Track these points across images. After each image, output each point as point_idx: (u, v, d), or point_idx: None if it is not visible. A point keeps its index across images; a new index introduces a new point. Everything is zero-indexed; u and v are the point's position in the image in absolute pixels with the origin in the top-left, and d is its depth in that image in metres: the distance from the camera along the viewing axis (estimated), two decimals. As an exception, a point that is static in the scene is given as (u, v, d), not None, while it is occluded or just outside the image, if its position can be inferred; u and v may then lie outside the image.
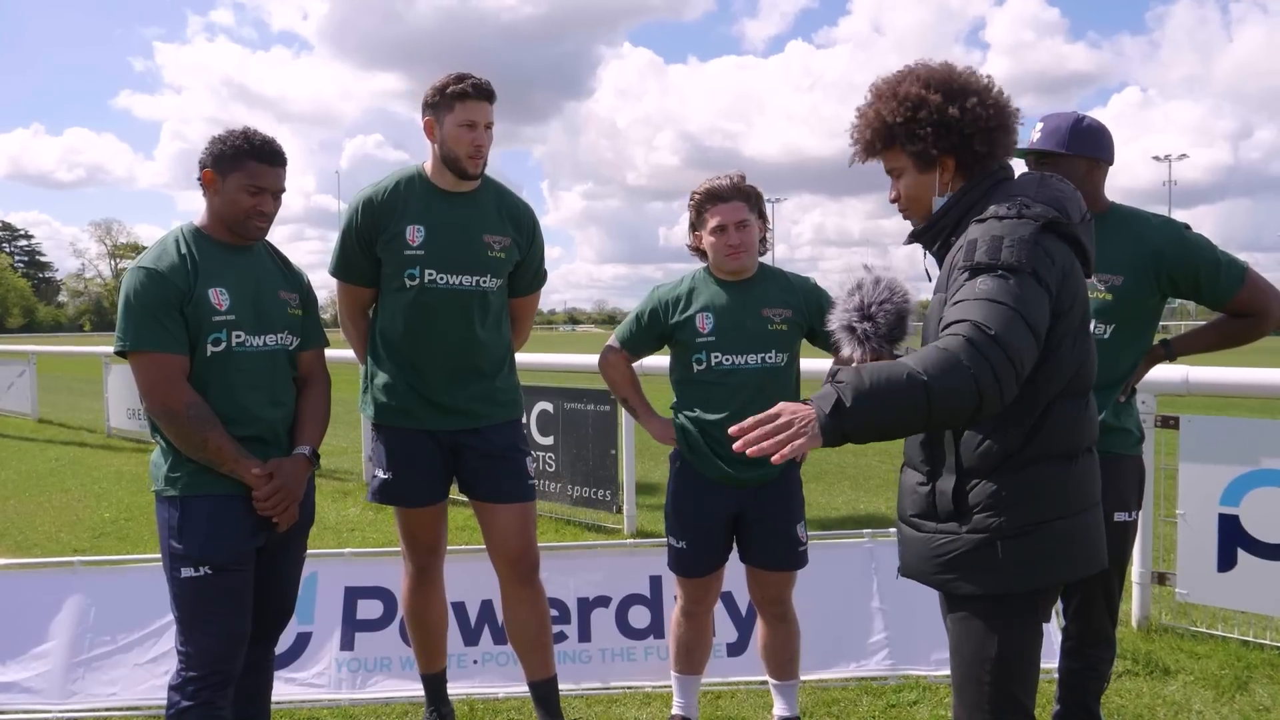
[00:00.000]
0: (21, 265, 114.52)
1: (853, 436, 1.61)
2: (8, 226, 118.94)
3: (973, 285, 1.73)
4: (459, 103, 2.86)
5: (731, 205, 2.92)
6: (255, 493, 2.54)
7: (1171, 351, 2.82)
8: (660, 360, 3.22)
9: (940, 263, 1.98)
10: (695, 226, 3.03)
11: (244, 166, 2.56)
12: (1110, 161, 2.73)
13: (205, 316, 2.50)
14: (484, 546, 3.16)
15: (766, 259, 3.10)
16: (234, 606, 2.54)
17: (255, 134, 2.60)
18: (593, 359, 6.99)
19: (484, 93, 2.89)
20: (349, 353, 3.30)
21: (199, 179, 2.61)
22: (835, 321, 2.13)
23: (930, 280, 2.04)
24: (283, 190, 2.65)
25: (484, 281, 2.97)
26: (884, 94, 1.95)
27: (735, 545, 3.09)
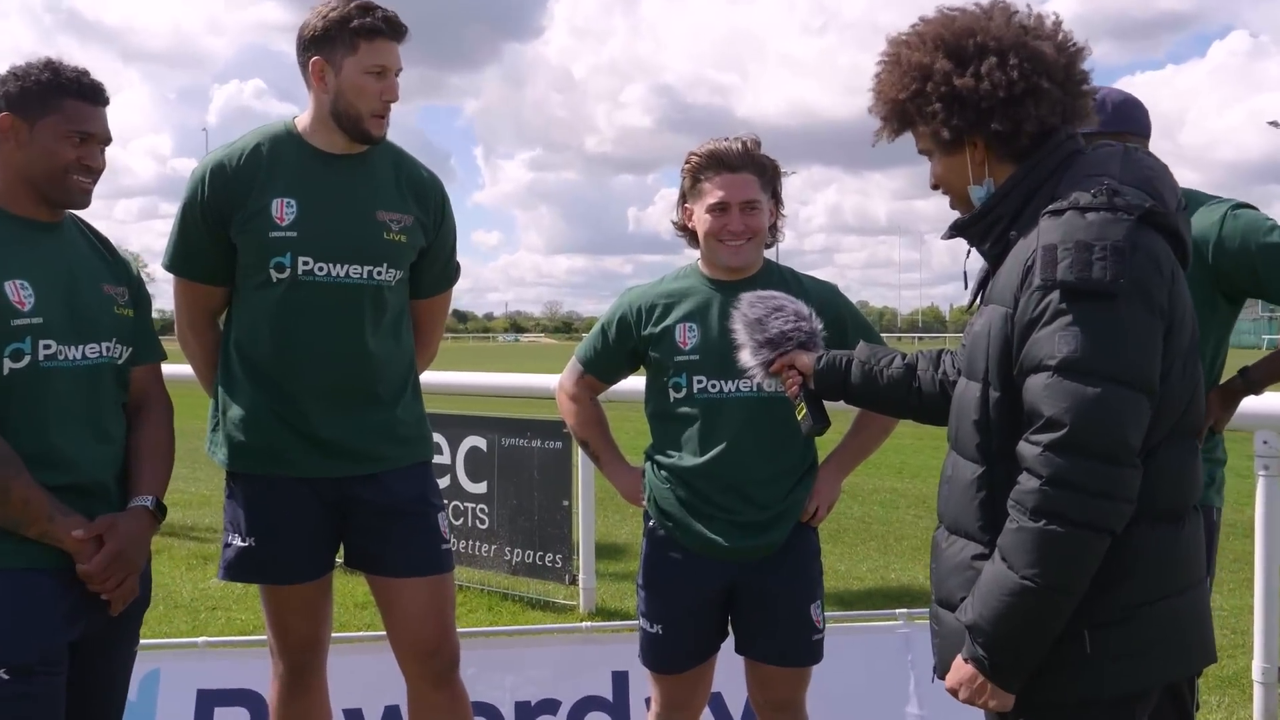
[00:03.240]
0: None
1: (1029, 667, 1.86)
2: None
3: (1054, 334, 1.79)
4: (365, 42, 2.83)
5: (740, 178, 2.91)
6: (81, 564, 2.47)
7: (1251, 381, 2.86)
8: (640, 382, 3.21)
9: (995, 260, 2.00)
10: (687, 198, 3.03)
11: (60, 107, 2.53)
12: (1146, 136, 2.81)
13: (1, 320, 2.46)
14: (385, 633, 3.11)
15: (774, 252, 3.12)
16: None
17: (65, 66, 2.57)
18: (542, 380, 7.06)
19: (398, 30, 2.87)
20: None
21: None
22: (749, 359, 2.56)
23: (966, 286, 2.09)
24: (110, 140, 2.64)
25: (379, 273, 2.93)
26: (889, 61, 2.03)
27: (730, 629, 3.08)
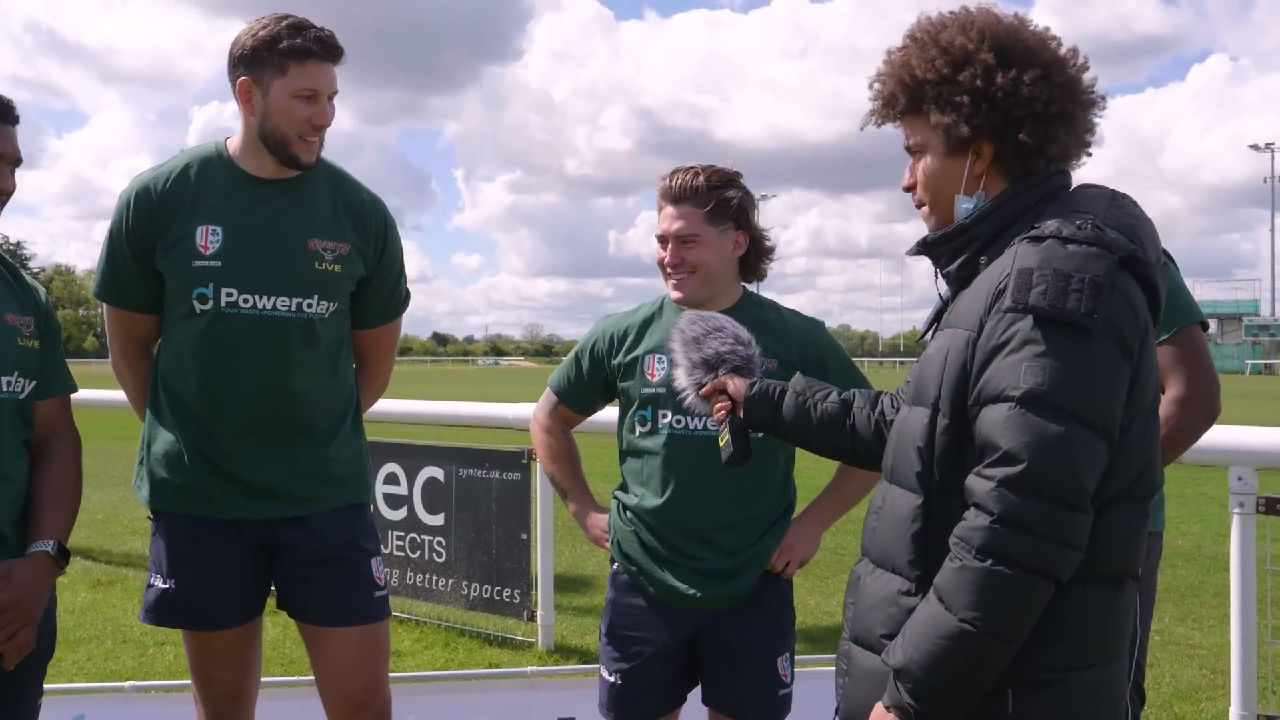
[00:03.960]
0: None
1: (957, 719, 1.77)
2: None
3: (1020, 363, 1.72)
4: (295, 64, 2.76)
5: (678, 210, 2.88)
6: None
7: None
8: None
9: (959, 284, 1.93)
10: None
11: None
12: None
13: None
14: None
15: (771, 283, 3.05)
16: None
17: None
18: (510, 410, 6.94)
19: (332, 51, 2.81)
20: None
21: None
22: (683, 380, 2.42)
23: (937, 306, 2.00)
24: (20, 160, 2.58)
25: (309, 305, 2.86)
26: (922, 39, 1.95)
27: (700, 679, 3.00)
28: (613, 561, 3.03)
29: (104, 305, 2.99)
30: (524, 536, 5.93)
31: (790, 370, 2.81)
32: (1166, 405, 2.81)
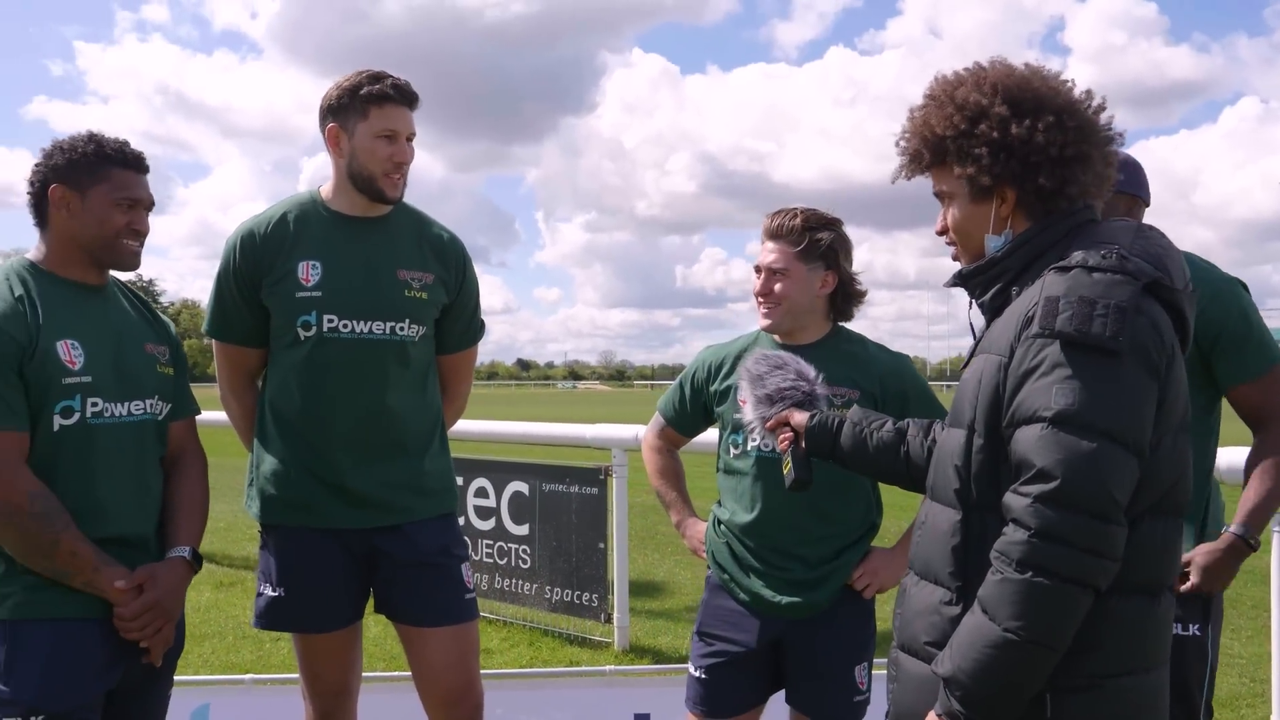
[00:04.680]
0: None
1: None
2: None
3: (1050, 386, 1.68)
4: (375, 108, 2.82)
5: (775, 245, 2.88)
6: (120, 611, 2.42)
7: (1252, 539, 2.82)
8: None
9: (992, 314, 1.90)
10: None
11: (108, 176, 2.51)
12: (1148, 202, 2.88)
13: (53, 378, 2.41)
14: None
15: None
16: None
17: (107, 138, 2.56)
18: (589, 430, 6.94)
19: (407, 96, 2.87)
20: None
21: (33, 201, 2.54)
22: (750, 414, 2.44)
23: (974, 336, 1.95)
24: (153, 204, 2.62)
25: (401, 328, 2.89)
26: (940, 97, 1.92)
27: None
28: (709, 567, 3.02)
29: (214, 341, 3.01)
30: (601, 545, 5.91)
31: (871, 400, 2.83)
32: None
